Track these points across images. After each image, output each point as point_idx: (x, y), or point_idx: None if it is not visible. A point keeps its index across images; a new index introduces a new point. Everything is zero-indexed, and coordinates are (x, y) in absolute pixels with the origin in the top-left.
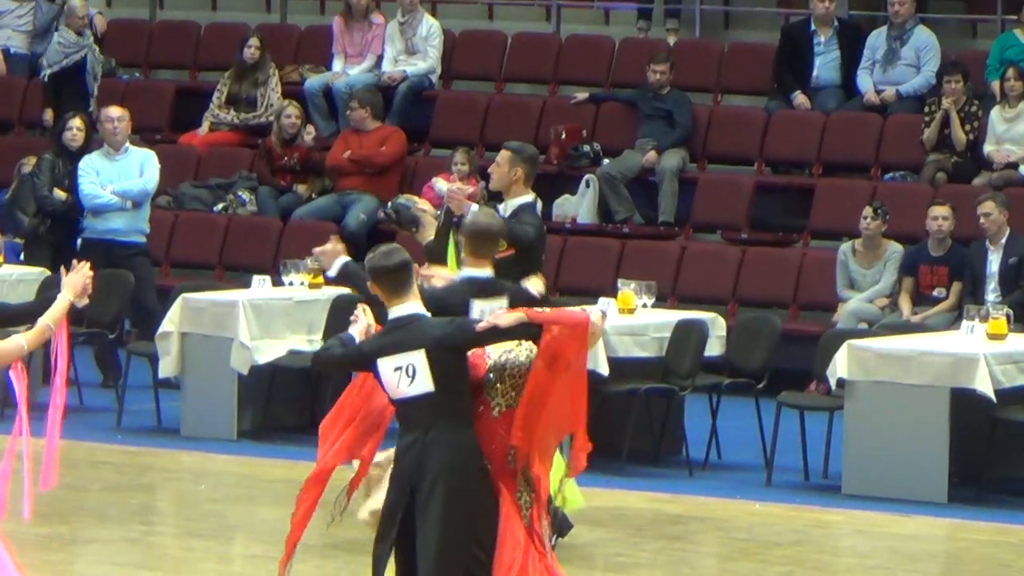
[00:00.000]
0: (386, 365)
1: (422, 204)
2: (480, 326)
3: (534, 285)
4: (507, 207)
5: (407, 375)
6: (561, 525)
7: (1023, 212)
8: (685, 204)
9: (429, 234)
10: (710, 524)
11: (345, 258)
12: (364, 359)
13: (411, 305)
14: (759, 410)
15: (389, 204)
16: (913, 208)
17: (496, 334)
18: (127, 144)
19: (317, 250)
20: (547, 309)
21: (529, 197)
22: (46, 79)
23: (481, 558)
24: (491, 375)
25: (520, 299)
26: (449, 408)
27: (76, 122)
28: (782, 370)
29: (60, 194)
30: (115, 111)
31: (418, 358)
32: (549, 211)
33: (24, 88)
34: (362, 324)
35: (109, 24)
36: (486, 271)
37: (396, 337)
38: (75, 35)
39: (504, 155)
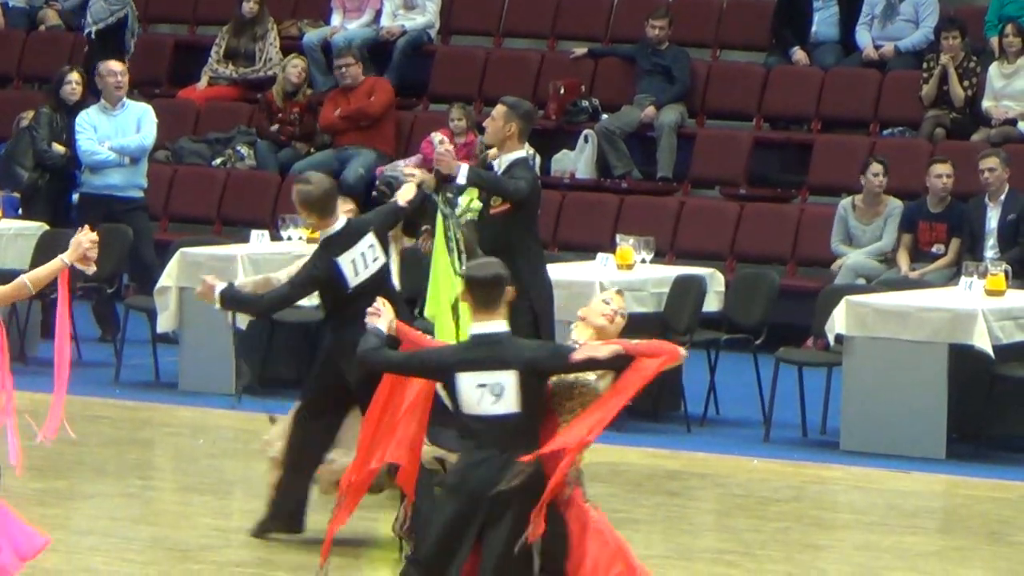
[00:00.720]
0: (468, 380)
1: (408, 170)
2: (576, 356)
3: (404, 195)
4: (501, 162)
5: (492, 393)
6: None
7: (1022, 168)
8: (684, 159)
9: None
10: (708, 480)
11: (221, 286)
12: (443, 370)
13: (500, 323)
14: (757, 366)
15: (379, 180)
16: (912, 164)
17: (591, 364)
18: (124, 99)
19: (196, 295)
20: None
21: (523, 152)
22: (93, 35)
23: None
24: (556, 389)
25: (390, 218)
26: (527, 428)
27: (74, 76)
28: (780, 326)
29: (59, 148)
30: (117, 65)
31: (508, 379)
32: (547, 166)
33: (23, 42)
34: (387, 317)
35: None
36: (337, 225)
37: (483, 353)
38: None
39: (499, 110)
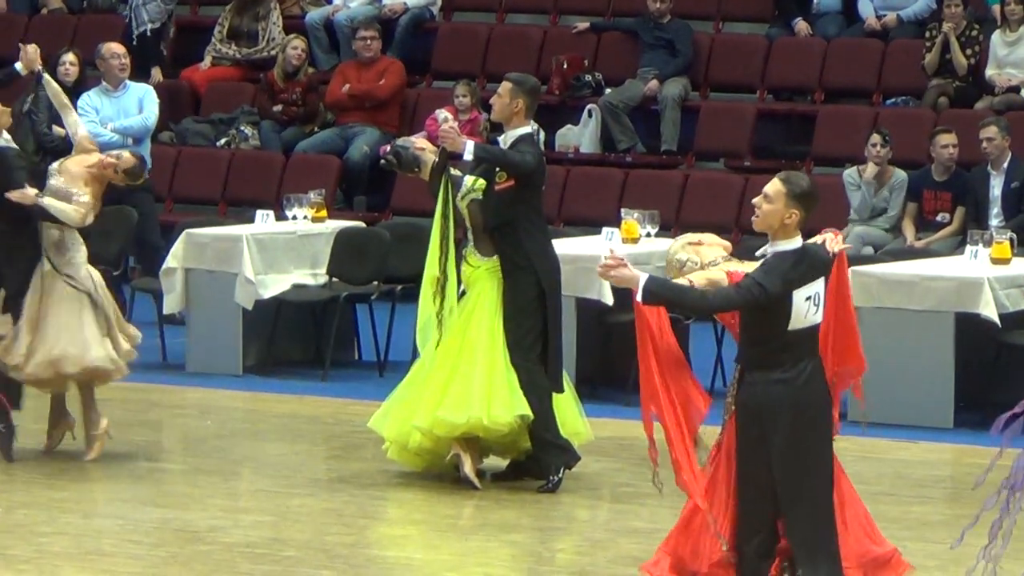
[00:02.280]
0: (800, 295)
1: (420, 143)
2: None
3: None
4: (507, 138)
5: (814, 304)
6: (569, 457)
7: None
8: (688, 132)
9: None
10: None
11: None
12: (786, 290)
13: (798, 239)
14: None
15: (388, 149)
16: (915, 133)
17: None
18: (126, 80)
19: None
20: None
21: (529, 128)
22: (148, 34)
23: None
24: None
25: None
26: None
27: (69, 57)
28: None
29: (59, 131)
30: (119, 47)
31: (821, 286)
32: (551, 141)
33: (25, 25)
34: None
35: None
36: None
37: (803, 269)
38: None
39: (505, 86)
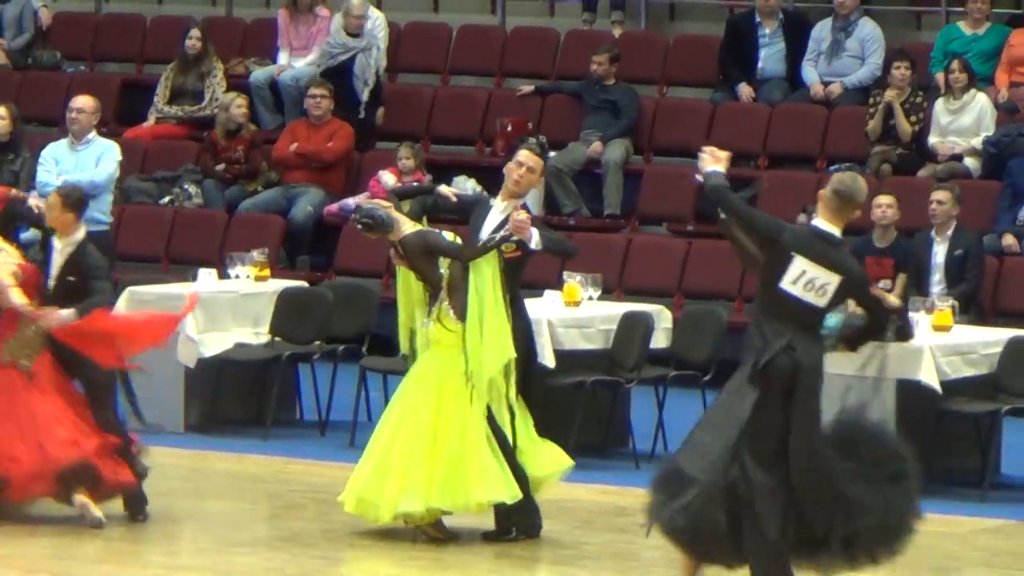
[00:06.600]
0: None
1: (386, 204)
2: None
3: None
4: (506, 207)
5: None
6: (530, 524)
7: (968, 204)
8: (631, 196)
9: (404, 229)
10: None
11: None
12: None
13: None
14: (705, 402)
15: (357, 214)
16: None
17: None
18: (91, 135)
19: None
20: None
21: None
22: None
23: None
24: None
25: None
26: None
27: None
28: (728, 362)
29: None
30: (78, 101)
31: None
32: None
33: None
34: None
35: (54, 17)
36: None
37: None
38: (348, 36)
39: (538, 162)
